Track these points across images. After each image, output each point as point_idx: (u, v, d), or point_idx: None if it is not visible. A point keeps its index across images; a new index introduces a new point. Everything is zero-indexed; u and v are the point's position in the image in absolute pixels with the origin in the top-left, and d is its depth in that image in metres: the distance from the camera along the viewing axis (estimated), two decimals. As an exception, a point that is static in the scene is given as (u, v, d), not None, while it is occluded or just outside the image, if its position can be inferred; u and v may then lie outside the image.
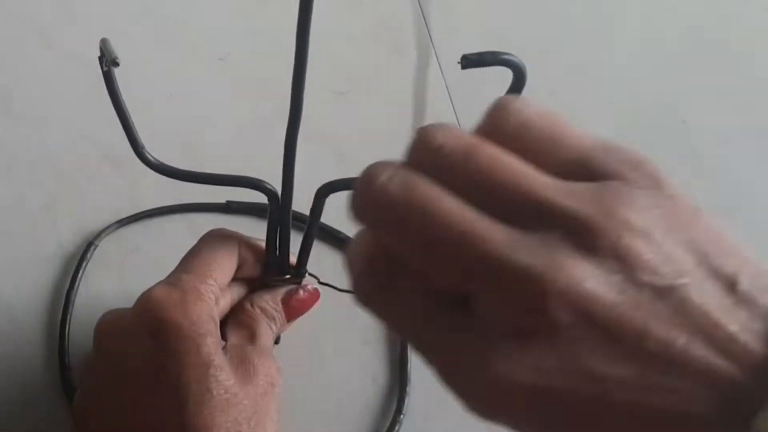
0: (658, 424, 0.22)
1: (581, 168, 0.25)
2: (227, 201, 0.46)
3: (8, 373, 0.40)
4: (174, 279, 0.34)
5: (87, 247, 0.44)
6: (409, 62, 0.54)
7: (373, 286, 0.25)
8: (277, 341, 0.40)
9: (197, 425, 0.32)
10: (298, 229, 0.37)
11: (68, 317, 0.42)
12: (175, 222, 0.45)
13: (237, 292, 0.38)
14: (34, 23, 0.52)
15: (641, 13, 0.59)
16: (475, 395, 0.24)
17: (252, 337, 0.36)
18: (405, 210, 0.24)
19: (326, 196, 0.35)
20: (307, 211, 0.36)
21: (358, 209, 0.25)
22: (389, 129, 0.51)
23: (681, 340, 0.22)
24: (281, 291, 0.38)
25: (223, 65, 0.52)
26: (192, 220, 0.46)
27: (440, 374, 0.24)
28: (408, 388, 0.42)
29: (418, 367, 0.43)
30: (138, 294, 0.35)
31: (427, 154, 0.25)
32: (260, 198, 0.35)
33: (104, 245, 0.44)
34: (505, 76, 0.30)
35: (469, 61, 0.27)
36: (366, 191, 0.25)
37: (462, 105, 0.52)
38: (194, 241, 0.37)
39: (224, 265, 0.36)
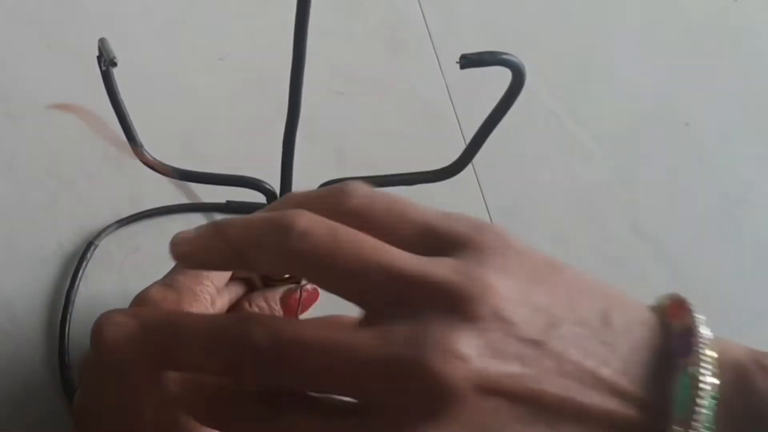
0: None
1: (429, 239, 0.25)
2: (227, 201, 0.46)
3: (8, 372, 0.41)
4: (170, 280, 0.34)
5: (87, 246, 0.44)
6: (409, 62, 0.54)
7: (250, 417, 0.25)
8: (276, 341, 0.40)
9: (192, 426, 0.32)
10: (298, 228, 0.37)
11: (68, 317, 0.42)
12: (175, 222, 0.45)
13: (235, 291, 0.38)
14: (34, 23, 0.52)
15: (642, 13, 0.59)
16: None
17: None
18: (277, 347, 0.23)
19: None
20: (306, 211, 0.36)
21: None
22: (389, 129, 0.51)
23: (571, 391, 0.23)
24: (280, 290, 0.38)
25: (223, 65, 0.52)
26: (192, 220, 0.46)
27: None
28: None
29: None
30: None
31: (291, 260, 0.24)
32: (260, 198, 0.35)
33: (104, 245, 0.44)
34: (505, 76, 0.30)
35: (468, 61, 0.27)
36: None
37: (462, 105, 0.52)
38: (194, 241, 0.37)
39: None
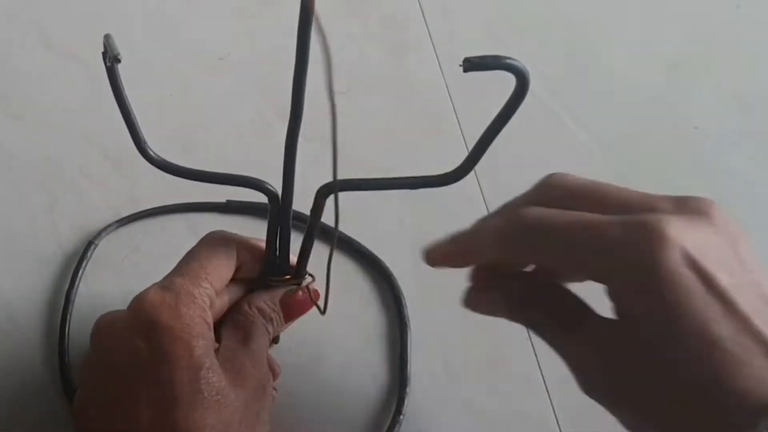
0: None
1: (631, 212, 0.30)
2: (227, 201, 0.46)
3: (8, 371, 0.40)
4: (168, 282, 0.34)
5: (87, 246, 0.44)
6: (409, 62, 0.54)
7: None
8: (276, 341, 0.40)
9: (188, 426, 0.32)
10: (299, 229, 0.37)
11: (68, 316, 0.42)
12: (175, 222, 0.45)
13: (235, 292, 0.38)
14: (34, 23, 0.52)
15: (642, 13, 0.59)
16: None
17: (246, 338, 0.36)
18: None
19: (327, 196, 0.35)
20: (307, 211, 0.36)
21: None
22: (389, 129, 0.51)
23: (757, 320, 0.27)
24: (280, 291, 0.38)
25: (223, 65, 0.52)
26: (192, 219, 0.46)
27: None
28: (408, 388, 0.42)
29: (418, 367, 0.43)
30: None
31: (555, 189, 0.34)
32: (260, 198, 0.35)
33: (104, 245, 0.44)
34: (505, 76, 0.29)
35: (471, 65, 0.26)
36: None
37: (462, 105, 0.52)
38: (194, 241, 0.37)
39: (220, 268, 0.36)
